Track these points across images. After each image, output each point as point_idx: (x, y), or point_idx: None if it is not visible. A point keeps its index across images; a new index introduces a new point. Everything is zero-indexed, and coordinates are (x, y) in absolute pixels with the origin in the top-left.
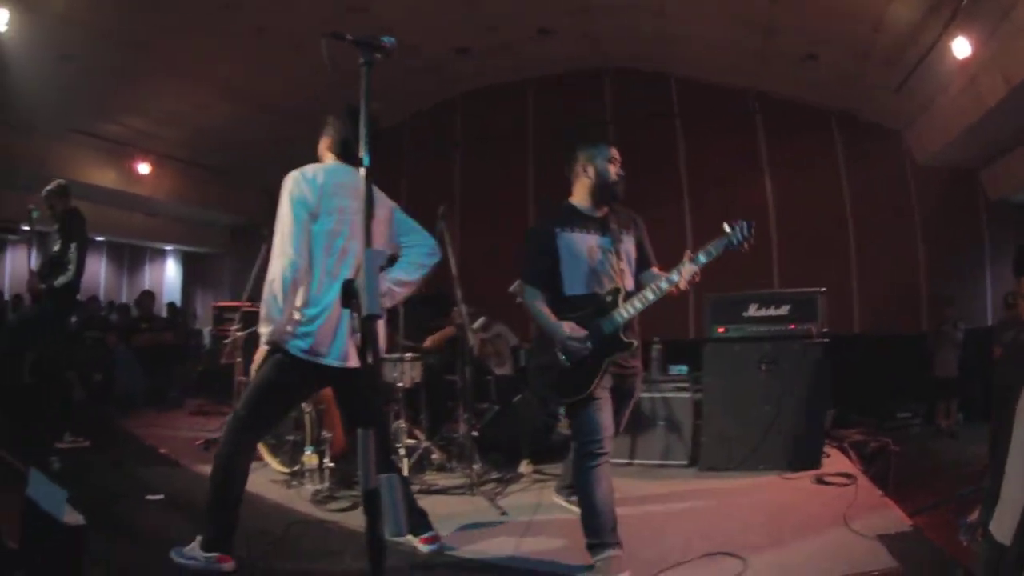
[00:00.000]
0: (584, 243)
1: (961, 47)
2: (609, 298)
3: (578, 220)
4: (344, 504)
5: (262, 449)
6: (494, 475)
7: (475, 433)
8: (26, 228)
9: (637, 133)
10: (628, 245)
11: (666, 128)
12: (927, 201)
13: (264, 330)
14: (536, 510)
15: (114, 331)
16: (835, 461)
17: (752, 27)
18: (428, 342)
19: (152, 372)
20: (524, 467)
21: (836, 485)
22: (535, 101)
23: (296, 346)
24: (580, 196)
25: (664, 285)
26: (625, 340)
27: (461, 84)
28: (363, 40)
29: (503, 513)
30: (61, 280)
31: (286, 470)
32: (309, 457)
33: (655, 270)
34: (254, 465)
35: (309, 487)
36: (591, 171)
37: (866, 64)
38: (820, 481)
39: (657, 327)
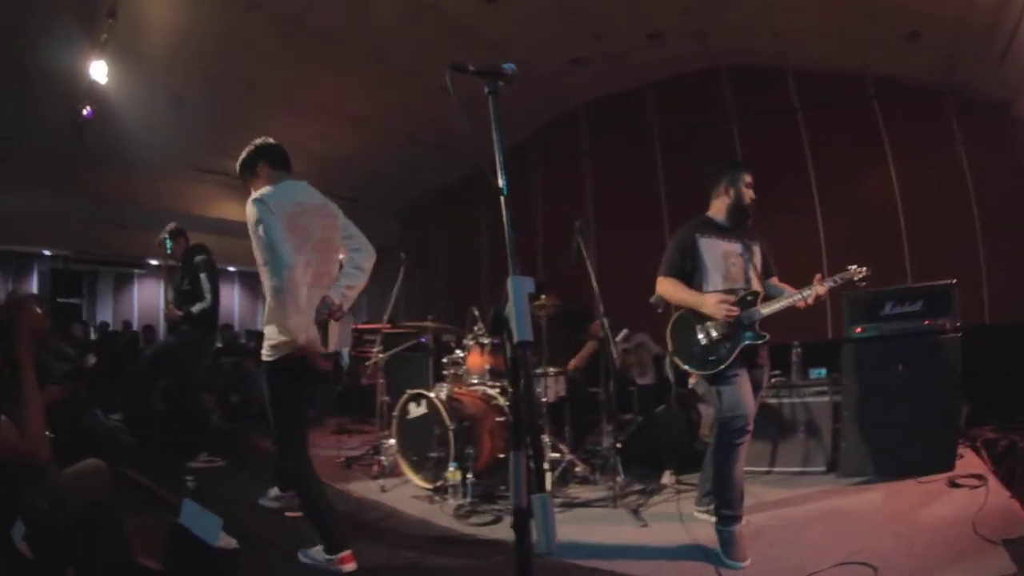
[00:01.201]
0: (722, 248)
1: None
2: (749, 297)
3: (716, 229)
4: (487, 518)
5: (404, 465)
6: (637, 487)
7: (618, 445)
8: (155, 263)
9: (760, 128)
10: (756, 256)
11: (789, 122)
12: None
13: (300, 337)
14: (679, 520)
15: (250, 356)
16: (968, 462)
17: (851, 11)
18: (573, 363)
19: None
20: (667, 478)
21: (968, 487)
22: (656, 105)
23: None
24: (717, 211)
25: (795, 299)
26: (760, 332)
27: (579, 95)
28: (485, 69)
29: (644, 525)
30: (199, 307)
31: (429, 485)
32: (452, 472)
33: (775, 281)
34: (396, 481)
35: (452, 502)
36: (732, 193)
37: (965, 38)
38: (953, 484)
39: (795, 329)
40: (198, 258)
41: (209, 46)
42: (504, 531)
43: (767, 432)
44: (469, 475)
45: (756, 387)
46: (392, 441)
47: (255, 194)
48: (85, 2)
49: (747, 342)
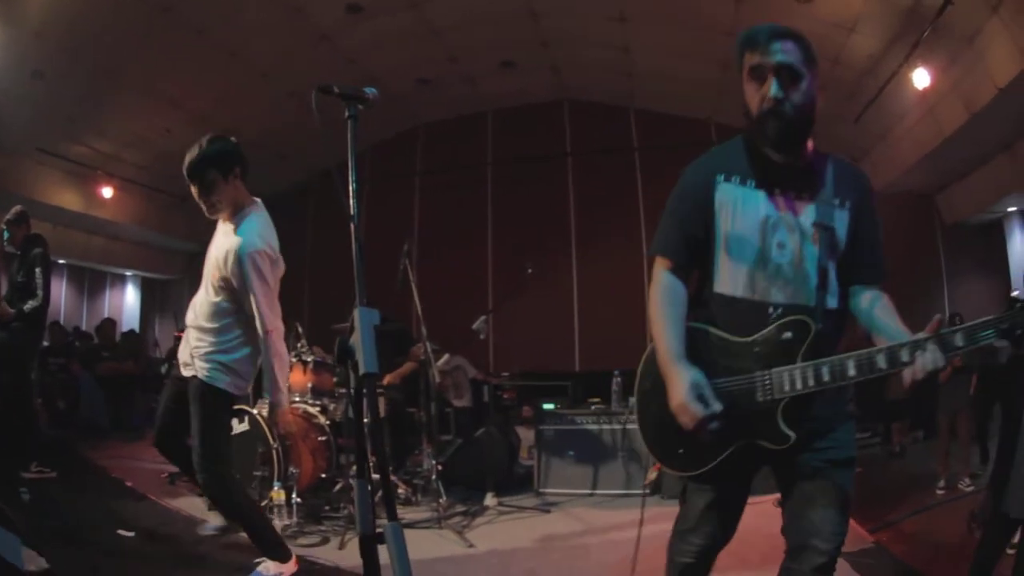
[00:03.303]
0: (760, 207)
1: (921, 78)
2: (787, 334)
3: (758, 165)
4: (314, 540)
5: None
6: (460, 508)
7: (439, 467)
8: None
9: (597, 164)
10: (838, 232)
11: (625, 160)
12: (884, 228)
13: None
14: (502, 541)
15: (77, 358)
16: None
17: (707, 62)
18: (388, 378)
19: (114, 401)
20: (490, 499)
21: None
22: (495, 132)
23: (240, 387)
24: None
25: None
26: (785, 427)
27: (422, 114)
28: (349, 93)
29: (470, 546)
30: (31, 304)
31: None
32: (277, 492)
33: (879, 304)
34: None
35: (278, 522)
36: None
37: (824, 96)
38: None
39: (616, 357)
40: (36, 250)
41: (80, 22)
42: (333, 553)
43: (589, 456)
44: (294, 495)
45: (811, 486)
46: None
47: (258, 237)
48: None
49: (743, 442)
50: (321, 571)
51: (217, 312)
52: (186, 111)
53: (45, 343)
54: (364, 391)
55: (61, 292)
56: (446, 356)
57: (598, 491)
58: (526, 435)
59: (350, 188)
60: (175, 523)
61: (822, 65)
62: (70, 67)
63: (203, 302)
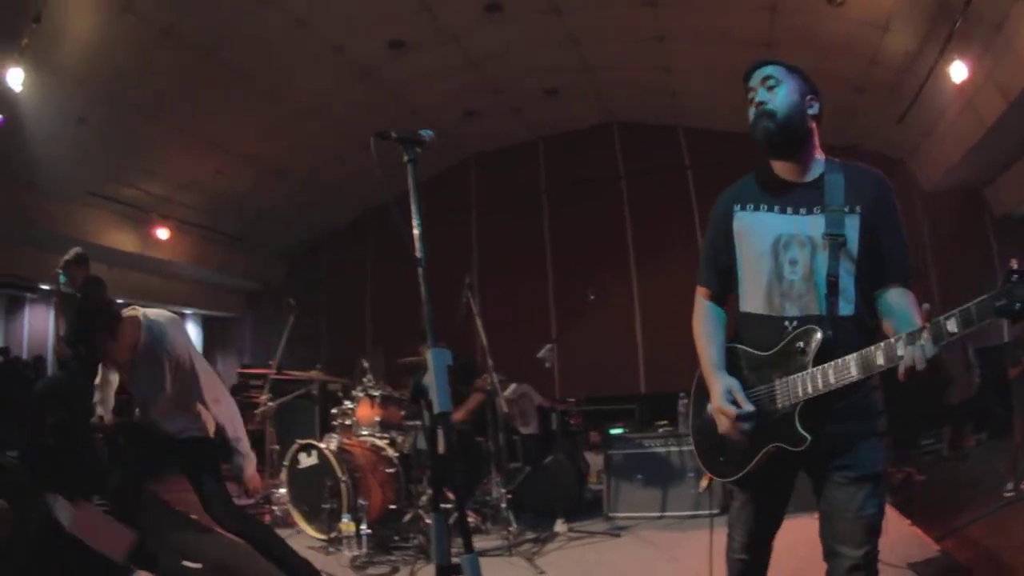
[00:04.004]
0: (773, 228)
1: (958, 71)
2: (800, 343)
3: (769, 191)
4: (384, 569)
5: (296, 516)
6: (530, 535)
7: (508, 495)
8: (46, 288)
9: (650, 184)
10: (850, 241)
11: (678, 179)
12: (935, 226)
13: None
14: (573, 567)
15: None
16: None
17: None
18: (459, 415)
19: None
20: (560, 526)
21: None
22: (546, 158)
23: None
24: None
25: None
26: (801, 429)
27: (471, 146)
28: (406, 136)
29: (541, 572)
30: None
31: (323, 536)
32: (346, 524)
33: (898, 296)
34: (288, 531)
35: (347, 553)
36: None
37: (865, 98)
38: None
39: (683, 378)
40: (93, 292)
41: (120, 69)
42: None
43: (657, 479)
44: (363, 526)
45: (840, 496)
46: (283, 491)
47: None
48: (9, 4)
49: (772, 445)
50: None
51: None
52: (234, 152)
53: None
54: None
55: None
56: (512, 386)
57: (667, 513)
58: (594, 460)
59: (415, 232)
60: (240, 555)
61: (860, 66)
62: (113, 113)
63: None
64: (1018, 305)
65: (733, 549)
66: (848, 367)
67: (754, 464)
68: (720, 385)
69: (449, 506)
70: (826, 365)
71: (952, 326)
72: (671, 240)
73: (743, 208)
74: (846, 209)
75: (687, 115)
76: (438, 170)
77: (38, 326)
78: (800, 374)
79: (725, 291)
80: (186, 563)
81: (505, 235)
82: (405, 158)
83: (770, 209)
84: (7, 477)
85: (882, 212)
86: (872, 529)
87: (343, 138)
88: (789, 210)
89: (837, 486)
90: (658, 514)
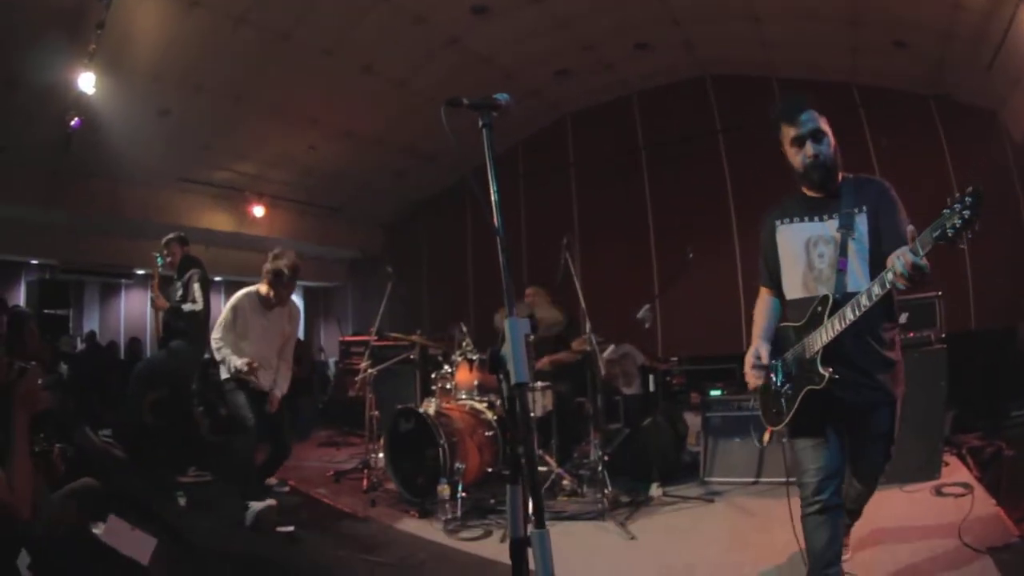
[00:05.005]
0: (804, 233)
1: None
2: (819, 308)
3: (802, 206)
4: (477, 532)
5: (394, 480)
6: (625, 499)
7: (605, 458)
8: (141, 272)
9: (747, 138)
10: (860, 232)
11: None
12: None
13: None
14: (664, 533)
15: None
16: (953, 469)
17: (837, 22)
18: (543, 362)
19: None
20: (655, 490)
21: (953, 496)
22: (642, 115)
23: None
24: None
25: (867, 293)
26: (821, 369)
27: (566, 105)
28: (479, 103)
29: (632, 538)
30: (189, 307)
31: (419, 500)
32: (442, 488)
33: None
34: (386, 495)
35: (442, 516)
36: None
37: (953, 45)
38: (939, 493)
39: None
40: (193, 270)
41: (196, 59)
42: (494, 548)
43: (751, 444)
44: (459, 489)
45: (858, 446)
46: (381, 455)
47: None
48: (73, 13)
49: (808, 388)
50: (472, 562)
51: None
52: (325, 126)
53: (207, 356)
54: (517, 399)
55: (220, 308)
56: (612, 346)
57: (762, 479)
58: (694, 421)
59: (492, 199)
60: (336, 519)
61: (943, 10)
62: (194, 101)
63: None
64: (950, 231)
65: (805, 499)
66: (844, 313)
67: (796, 409)
68: (753, 348)
69: (544, 469)
70: (832, 317)
71: (928, 235)
72: (772, 195)
73: (783, 222)
74: (855, 210)
75: (779, 66)
76: (535, 130)
77: (134, 310)
78: (818, 328)
79: (779, 288)
80: (279, 529)
81: (604, 193)
82: (480, 123)
83: (802, 220)
84: (99, 455)
85: (884, 207)
86: (878, 471)
87: (436, 106)
88: (816, 218)
89: (858, 443)
90: (753, 479)
